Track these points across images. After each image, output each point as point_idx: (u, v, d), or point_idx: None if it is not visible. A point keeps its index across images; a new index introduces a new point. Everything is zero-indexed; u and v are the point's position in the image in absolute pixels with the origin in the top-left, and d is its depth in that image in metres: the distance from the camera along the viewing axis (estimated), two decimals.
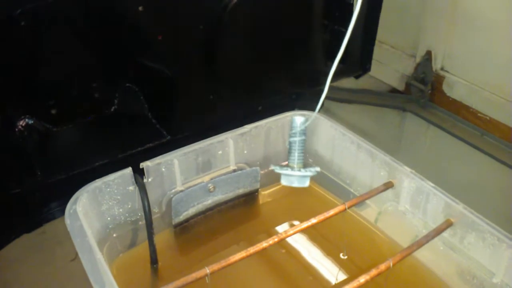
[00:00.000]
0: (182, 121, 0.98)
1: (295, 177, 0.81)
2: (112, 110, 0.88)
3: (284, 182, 0.82)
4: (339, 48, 1.15)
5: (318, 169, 0.81)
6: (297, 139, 0.81)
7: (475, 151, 1.47)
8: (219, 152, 0.95)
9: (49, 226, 0.91)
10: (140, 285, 0.86)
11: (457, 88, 1.53)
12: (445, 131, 1.55)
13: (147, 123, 0.94)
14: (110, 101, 0.87)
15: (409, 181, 0.86)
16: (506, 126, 1.42)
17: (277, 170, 0.81)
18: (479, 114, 1.49)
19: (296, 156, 0.81)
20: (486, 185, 1.38)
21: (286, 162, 0.83)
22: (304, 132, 0.81)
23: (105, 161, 0.90)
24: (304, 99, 1.19)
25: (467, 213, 0.78)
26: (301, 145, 0.81)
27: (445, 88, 1.57)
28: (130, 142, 0.94)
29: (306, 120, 0.80)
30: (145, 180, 0.87)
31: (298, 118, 0.81)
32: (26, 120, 0.79)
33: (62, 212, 0.90)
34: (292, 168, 0.81)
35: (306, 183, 0.81)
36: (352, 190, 0.98)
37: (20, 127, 0.79)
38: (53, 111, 0.82)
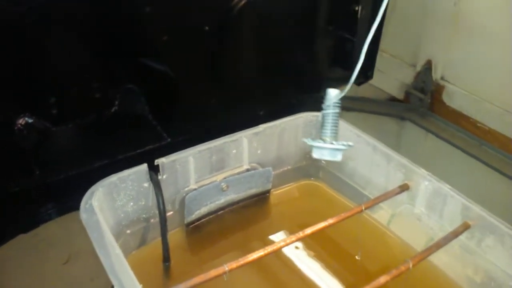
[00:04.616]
0: (183, 123, 0.97)
1: (326, 149, 0.79)
2: (112, 110, 0.87)
3: (315, 155, 0.80)
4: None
5: (351, 143, 0.79)
6: (330, 111, 0.80)
7: (473, 160, 1.47)
8: (233, 151, 0.94)
9: (41, 228, 0.88)
10: (152, 283, 0.84)
11: (456, 98, 1.54)
12: (444, 140, 1.55)
13: (147, 124, 0.93)
14: (111, 101, 0.86)
15: (426, 184, 0.86)
16: (505, 136, 1.43)
17: (309, 142, 0.79)
18: (478, 124, 1.50)
19: (329, 128, 0.80)
20: (485, 195, 1.38)
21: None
22: (338, 106, 0.80)
23: (104, 162, 0.89)
24: (304, 105, 1.19)
25: (486, 215, 0.79)
26: (334, 118, 0.80)
27: (444, 97, 1.58)
28: (130, 144, 0.92)
29: (340, 93, 0.79)
30: (159, 177, 0.86)
31: (332, 91, 0.80)
32: (26, 118, 0.77)
33: (58, 213, 0.89)
34: (324, 141, 0.79)
35: (338, 156, 0.79)
36: (366, 193, 0.97)
37: (19, 125, 0.77)
38: (54, 110, 0.80)
